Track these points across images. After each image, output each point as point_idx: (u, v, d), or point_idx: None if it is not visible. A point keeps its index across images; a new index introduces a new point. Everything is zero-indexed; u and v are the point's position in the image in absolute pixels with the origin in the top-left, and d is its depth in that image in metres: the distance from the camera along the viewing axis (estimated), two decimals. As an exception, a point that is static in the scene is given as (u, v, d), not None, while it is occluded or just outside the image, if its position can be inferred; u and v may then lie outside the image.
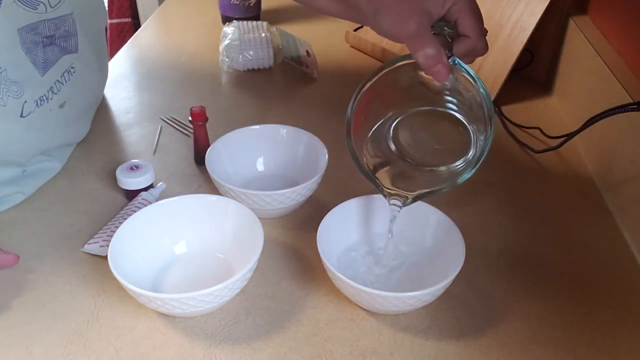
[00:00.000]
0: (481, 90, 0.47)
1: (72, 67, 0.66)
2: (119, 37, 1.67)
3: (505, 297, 0.55)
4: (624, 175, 0.65)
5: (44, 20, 0.59)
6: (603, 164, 0.71)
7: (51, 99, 0.63)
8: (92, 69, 0.72)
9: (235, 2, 1.06)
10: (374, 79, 0.50)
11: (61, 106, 0.65)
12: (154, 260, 0.56)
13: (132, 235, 0.54)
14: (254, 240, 0.53)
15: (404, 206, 0.52)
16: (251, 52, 0.93)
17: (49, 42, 0.61)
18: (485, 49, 0.50)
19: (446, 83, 0.49)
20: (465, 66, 0.48)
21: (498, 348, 0.50)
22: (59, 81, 0.64)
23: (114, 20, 1.67)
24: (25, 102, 0.59)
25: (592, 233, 0.63)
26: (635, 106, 0.60)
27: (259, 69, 0.96)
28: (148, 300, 0.48)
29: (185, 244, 0.58)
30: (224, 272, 0.55)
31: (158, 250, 0.56)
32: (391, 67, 0.50)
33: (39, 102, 0.61)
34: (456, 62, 0.48)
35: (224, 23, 1.10)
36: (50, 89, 0.63)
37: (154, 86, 0.91)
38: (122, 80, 0.93)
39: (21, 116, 0.59)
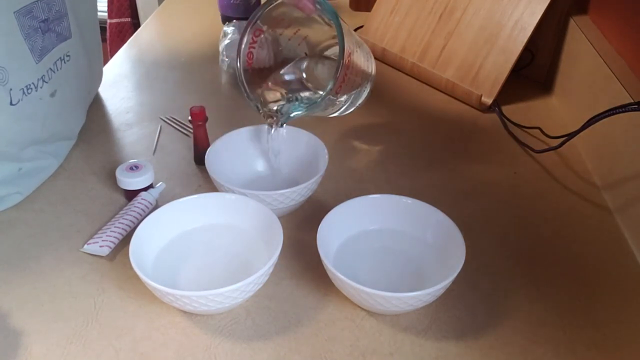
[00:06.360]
0: (336, 29, 0.58)
1: (68, 55, 0.67)
2: (118, 37, 1.67)
3: (505, 297, 0.55)
4: (624, 175, 0.65)
5: (37, 1, 0.60)
6: (603, 164, 0.71)
7: (41, 87, 0.62)
8: (84, 56, 0.72)
9: (235, 2, 1.06)
10: (262, 14, 0.63)
11: (52, 95, 0.65)
12: (173, 257, 0.56)
13: (151, 234, 0.55)
14: (273, 237, 0.54)
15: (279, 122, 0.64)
16: (251, 52, 0.93)
17: (46, 28, 0.61)
18: None
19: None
20: (326, 4, 0.59)
21: (498, 348, 0.50)
22: (51, 69, 0.64)
23: (114, 20, 1.67)
24: (11, 89, 0.58)
25: (592, 233, 0.63)
26: (636, 106, 0.60)
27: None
28: (174, 299, 0.48)
29: (203, 242, 0.58)
30: (242, 269, 0.55)
31: (177, 248, 0.57)
32: (273, 5, 0.62)
33: (25, 90, 0.60)
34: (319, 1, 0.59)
35: (224, 23, 1.10)
36: (42, 77, 0.62)
37: (153, 86, 0.91)
38: (121, 80, 0.93)
39: (10, 104, 0.59)
